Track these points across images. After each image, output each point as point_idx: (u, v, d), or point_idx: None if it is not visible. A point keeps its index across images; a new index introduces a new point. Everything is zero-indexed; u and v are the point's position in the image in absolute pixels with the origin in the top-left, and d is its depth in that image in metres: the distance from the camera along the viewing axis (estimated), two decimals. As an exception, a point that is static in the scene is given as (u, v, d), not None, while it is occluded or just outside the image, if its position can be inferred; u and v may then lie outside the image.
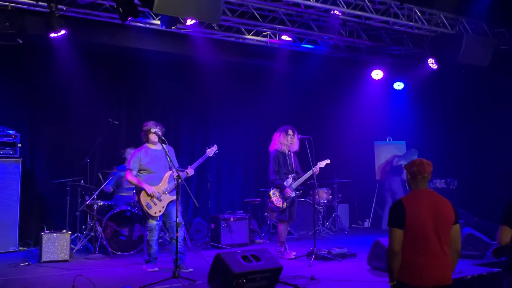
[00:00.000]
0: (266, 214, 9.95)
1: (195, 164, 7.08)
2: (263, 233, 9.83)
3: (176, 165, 7.02)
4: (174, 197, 6.66)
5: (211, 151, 7.19)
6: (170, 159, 6.59)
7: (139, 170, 6.80)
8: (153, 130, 6.81)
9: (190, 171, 6.93)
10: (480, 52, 9.17)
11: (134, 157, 6.83)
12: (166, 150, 6.81)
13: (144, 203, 6.69)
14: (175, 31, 8.73)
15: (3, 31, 7.41)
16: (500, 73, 9.86)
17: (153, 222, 6.74)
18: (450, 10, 9.03)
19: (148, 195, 6.68)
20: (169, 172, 6.84)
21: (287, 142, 7.92)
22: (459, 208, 9.19)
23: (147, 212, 6.70)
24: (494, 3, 8.67)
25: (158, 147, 6.86)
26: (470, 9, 8.87)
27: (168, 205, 6.75)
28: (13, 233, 8.05)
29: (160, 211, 6.72)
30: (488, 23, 9.46)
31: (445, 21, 9.18)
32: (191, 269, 6.69)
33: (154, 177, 6.80)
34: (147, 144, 6.91)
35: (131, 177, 6.78)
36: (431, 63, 10.18)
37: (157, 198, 6.69)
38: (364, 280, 6.29)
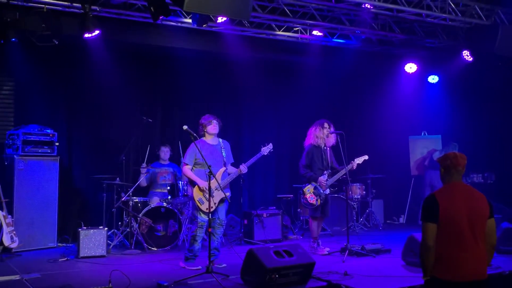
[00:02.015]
0: (299, 210, 9.95)
1: (249, 162, 6.98)
2: (296, 229, 9.83)
3: (231, 160, 7.06)
4: (227, 194, 6.70)
5: (266, 149, 7.08)
6: (202, 157, 6.56)
7: (194, 164, 6.81)
8: (213, 121, 6.90)
9: (243, 168, 6.87)
10: (517, 43, 8.92)
11: (190, 150, 6.83)
12: (222, 145, 6.92)
13: (196, 198, 6.67)
14: (207, 29, 8.80)
15: (40, 32, 7.58)
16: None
17: (204, 218, 6.67)
18: (485, 0, 8.82)
19: (201, 190, 6.66)
20: (223, 168, 6.83)
21: (323, 135, 7.84)
22: (496, 203, 9.02)
23: (199, 208, 6.67)
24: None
25: (214, 141, 6.93)
26: (506, -1, 8.67)
27: (219, 201, 6.74)
28: (52, 229, 8.26)
29: (212, 207, 6.59)
30: (525, 13, 9.22)
31: (479, 12, 8.97)
32: (224, 265, 6.75)
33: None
34: (203, 138, 6.91)
35: (186, 171, 6.81)
36: (466, 55, 9.95)
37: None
38: (398, 276, 6.22)
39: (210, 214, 6.39)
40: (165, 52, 9.47)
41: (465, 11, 8.94)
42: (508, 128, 10.55)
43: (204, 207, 6.64)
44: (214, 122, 6.91)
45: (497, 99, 10.59)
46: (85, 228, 7.60)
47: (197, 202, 6.68)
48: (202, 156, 6.40)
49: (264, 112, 11.01)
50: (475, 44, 9.33)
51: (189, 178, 6.85)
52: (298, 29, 9.67)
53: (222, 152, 6.90)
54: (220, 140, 7.03)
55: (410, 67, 11.28)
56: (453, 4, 8.75)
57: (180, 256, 7.12)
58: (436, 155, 10.91)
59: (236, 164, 7.05)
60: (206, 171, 6.42)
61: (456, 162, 3.95)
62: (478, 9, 8.96)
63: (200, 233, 6.73)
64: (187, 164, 6.81)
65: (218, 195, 6.69)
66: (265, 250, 5.81)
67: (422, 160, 11.43)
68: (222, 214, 6.82)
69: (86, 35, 7.80)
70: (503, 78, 10.13)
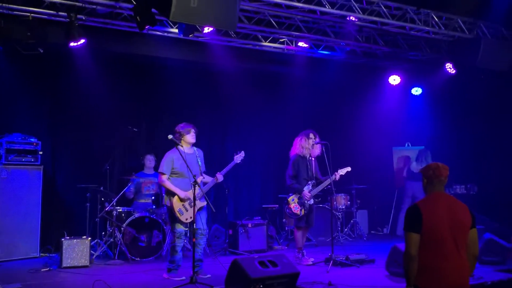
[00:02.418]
0: (284, 220, 9.95)
1: (224, 171, 7.00)
2: (281, 239, 9.83)
3: (204, 168, 7.02)
4: (204, 203, 6.68)
5: (239, 157, 7.12)
6: (186, 165, 6.56)
7: (170, 174, 6.73)
8: (192, 130, 6.83)
9: (220, 177, 6.89)
10: (499, 56, 9.07)
11: (167, 160, 6.71)
12: (197, 154, 6.87)
13: (176, 209, 6.59)
14: (193, 39, 8.83)
15: (25, 40, 7.56)
16: (519, 77, 9.77)
17: (182, 228, 6.67)
18: (468, 14, 8.97)
19: (181, 200, 6.61)
20: (201, 177, 6.78)
21: (308, 145, 7.88)
22: (479, 214, 9.12)
23: (178, 218, 6.60)
24: (513, 6, 8.62)
25: (190, 150, 6.85)
26: (488, 13, 8.79)
27: (197, 211, 6.67)
28: (35, 239, 8.18)
29: (191, 217, 6.57)
30: (506, 26, 9.36)
31: (462, 25, 9.12)
32: (208, 275, 6.71)
33: (185, 182, 6.66)
34: (179, 147, 6.68)
35: (163, 181, 6.69)
36: (449, 68, 10.10)
37: (188, 204, 6.65)
38: (382, 286, 6.26)
39: (194, 224, 6.36)
40: (151, 62, 9.47)
41: (448, 25, 9.08)
42: (490, 140, 10.68)
43: (184, 217, 6.62)
44: (193, 131, 6.86)
45: (479, 111, 10.73)
46: (68, 238, 7.53)
47: (177, 213, 6.61)
48: (187, 165, 6.38)
49: (250, 122, 11.04)
50: (458, 57, 9.48)
51: (167, 188, 6.76)
52: (284, 41, 9.74)
53: (198, 161, 6.86)
54: (195, 148, 6.97)
55: (394, 79, 11.41)
56: (436, 17, 8.90)
57: (164, 266, 7.07)
58: (414, 166, 11.02)
59: (212, 174, 7.04)
60: (185, 180, 6.47)
61: (438, 172, 3.99)
62: (461, 23, 9.10)
63: (179, 243, 6.70)
64: (164, 174, 6.71)
65: (196, 205, 6.61)
66: (250, 260, 5.79)
67: (399, 171, 11.48)
68: (203, 222, 6.78)
69: (72, 44, 7.80)
70: (485, 91, 10.26)
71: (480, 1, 8.56)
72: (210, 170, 7.19)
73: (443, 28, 9.03)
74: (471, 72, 9.70)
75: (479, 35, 9.20)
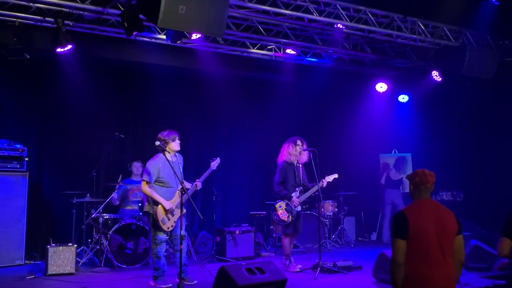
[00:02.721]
0: (272, 227, 9.94)
1: (202, 177, 7.06)
2: (269, 246, 9.81)
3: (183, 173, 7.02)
4: (184, 211, 6.66)
5: (215, 163, 7.19)
6: (174, 173, 6.51)
7: (154, 182, 6.66)
8: (177, 138, 6.78)
9: (199, 184, 6.92)
10: (484, 64, 9.17)
11: (153, 168, 6.64)
12: (179, 161, 6.82)
13: (159, 218, 6.57)
14: (181, 45, 8.83)
15: (11, 46, 7.52)
16: (505, 84, 9.88)
17: (163, 236, 6.68)
18: (454, 22, 9.05)
19: (165, 210, 6.60)
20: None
21: (296, 152, 7.90)
22: (466, 221, 9.19)
23: (161, 227, 6.59)
24: (498, 15, 8.70)
25: (173, 158, 6.76)
26: (473, 21, 8.88)
27: (178, 217, 6.66)
28: (20, 246, 8.08)
29: (172, 225, 6.65)
30: (492, 35, 9.47)
31: (448, 33, 9.21)
32: (195, 282, 6.69)
33: (169, 192, 6.68)
34: (163, 154, 6.52)
35: (147, 189, 6.63)
36: (435, 75, 10.20)
37: (170, 213, 6.65)
38: (369, 293, 6.27)
39: (181, 231, 6.30)
40: (138, 68, 9.44)
41: (434, 33, 9.16)
42: (476, 146, 10.78)
43: (166, 226, 6.62)
44: (177, 138, 6.82)
45: (465, 118, 10.83)
46: (54, 245, 7.44)
47: (160, 222, 6.58)
48: (175, 173, 6.35)
49: (238, 129, 11.03)
50: (444, 65, 9.56)
51: (150, 196, 6.69)
52: (272, 47, 9.78)
53: (180, 168, 6.78)
54: (177, 155, 6.92)
55: (381, 87, 11.49)
56: (422, 25, 8.97)
57: (150, 273, 7.02)
58: (393, 173, 11.07)
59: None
60: (169, 190, 6.54)
61: (425, 179, 4.01)
62: (447, 31, 9.19)
63: (162, 249, 6.69)
64: (148, 182, 6.65)
65: (177, 213, 6.63)
66: (237, 267, 5.78)
67: (380, 178, 11.50)
68: (180, 228, 6.70)
69: (59, 50, 7.77)
70: (471, 98, 10.37)
71: (465, 9, 8.65)
72: (198, 177, 7.17)
73: (429, 36, 9.11)
74: (457, 80, 9.79)
75: (464, 43, 9.28)
